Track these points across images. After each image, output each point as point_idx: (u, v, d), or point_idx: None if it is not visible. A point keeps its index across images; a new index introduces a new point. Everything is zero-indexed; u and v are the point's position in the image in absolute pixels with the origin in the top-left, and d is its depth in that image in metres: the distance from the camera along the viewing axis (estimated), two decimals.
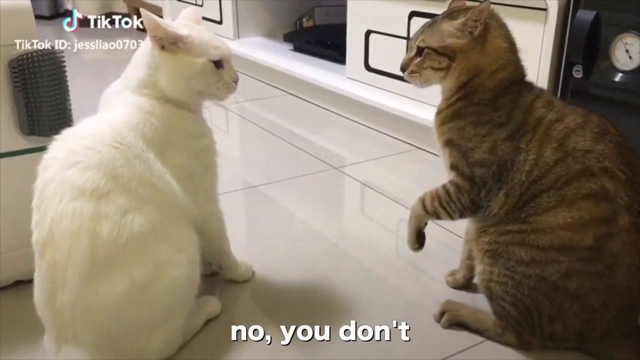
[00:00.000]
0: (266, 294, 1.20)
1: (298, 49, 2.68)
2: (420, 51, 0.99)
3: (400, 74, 1.78)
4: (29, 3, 1.03)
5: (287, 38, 2.77)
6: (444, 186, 1.02)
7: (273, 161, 1.93)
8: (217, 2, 2.89)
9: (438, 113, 1.03)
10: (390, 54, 1.97)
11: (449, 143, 1.00)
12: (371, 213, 1.62)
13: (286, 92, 2.52)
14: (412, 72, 1.01)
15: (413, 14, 1.83)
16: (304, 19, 2.89)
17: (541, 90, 1.01)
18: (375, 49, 2.04)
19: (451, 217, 1.02)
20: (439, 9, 1.71)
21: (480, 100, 0.97)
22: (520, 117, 0.95)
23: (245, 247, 1.37)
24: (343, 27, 2.20)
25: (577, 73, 1.35)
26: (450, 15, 0.98)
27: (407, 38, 1.88)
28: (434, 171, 1.78)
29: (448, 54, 0.97)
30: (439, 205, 1.02)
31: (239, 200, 1.65)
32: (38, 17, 4.01)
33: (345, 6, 2.16)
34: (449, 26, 0.97)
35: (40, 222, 0.89)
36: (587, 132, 0.92)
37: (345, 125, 2.18)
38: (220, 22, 2.90)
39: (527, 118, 0.95)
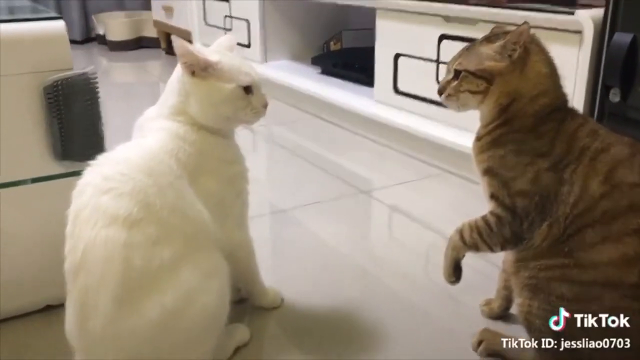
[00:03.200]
0: (295, 322, 1.17)
1: (326, 72, 2.68)
2: (457, 74, 0.97)
3: (430, 96, 1.78)
4: (64, 28, 1.05)
5: (315, 61, 2.78)
6: (483, 217, 0.98)
7: (301, 185, 1.91)
8: (246, 25, 2.91)
9: (477, 139, 1.00)
10: (419, 77, 1.96)
11: (488, 171, 0.97)
12: (400, 238, 1.59)
13: (314, 115, 2.52)
14: (449, 95, 0.99)
15: (443, 37, 1.82)
16: (332, 42, 2.90)
17: (585, 117, 0.98)
18: (404, 72, 2.03)
19: (491, 250, 0.98)
20: (469, 32, 1.71)
21: (521, 127, 0.94)
22: (563, 146, 0.92)
23: (274, 273, 1.35)
24: (371, 50, 2.20)
25: (615, 96, 1.32)
26: (488, 38, 0.97)
27: (437, 61, 1.86)
28: (464, 195, 1.76)
29: (486, 77, 0.94)
30: (479, 238, 0.98)
31: (267, 224, 1.63)
32: (71, 41, 4.15)
33: (372, 29, 2.16)
34: (487, 49, 0.95)
35: (73, 249, 0.88)
36: (635, 164, 0.88)
37: (373, 148, 2.16)
38: (248, 46, 2.93)
39: (571, 147, 0.91)
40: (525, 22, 0.91)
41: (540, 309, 0.92)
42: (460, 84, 0.97)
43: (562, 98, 0.97)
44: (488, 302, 1.16)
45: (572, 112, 0.97)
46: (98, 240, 0.86)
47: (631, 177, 0.88)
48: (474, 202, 1.69)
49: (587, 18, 1.38)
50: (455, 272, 1.04)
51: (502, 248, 0.98)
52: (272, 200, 1.79)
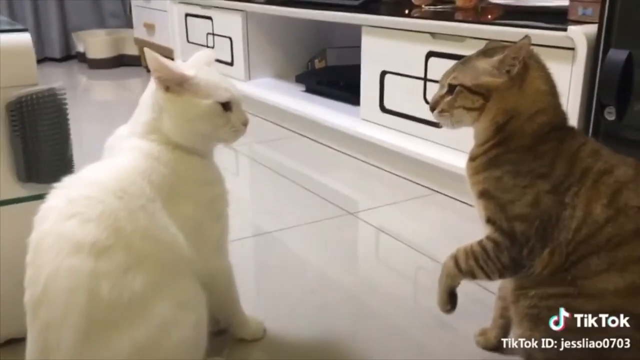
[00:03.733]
0: (279, 354, 1.11)
1: (310, 90, 2.63)
2: (451, 89, 0.92)
3: (418, 115, 1.73)
4: (29, 41, 0.98)
5: (299, 79, 2.73)
6: (480, 242, 0.92)
7: (284, 206, 1.85)
8: (229, 43, 2.87)
9: (471, 159, 0.95)
10: (407, 95, 1.91)
11: (484, 194, 0.91)
12: (388, 261, 1.53)
13: (298, 133, 2.47)
14: (442, 110, 0.93)
15: (431, 54, 1.78)
16: (316, 60, 2.86)
17: (585, 137, 0.93)
18: (391, 89, 1.99)
19: (489, 277, 0.92)
20: (457, 49, 1.67)
21: (518, 147, 0.89)
22: (564, 167, 0.86)
23: (256, 300, 1.28)
24: (356, 68, 2.16)
25: (610, 115, 1.28)
26: (485, 52, 0.91)
27: (425, 79, 1.82)
28: (454, 217, 1.71)
29: (482, 92, 0.89)
30: (475, 264, 0.92)
31: (249, 247, 1.56)
32: (49, 59, 4.07)
33: (357, 47, 2.12)
34: (484, 64, 0.90)
35: (34, 280, 0.81)
36: None
37: (359, 167, 2.11)
38: (231, 64, 2.88)
39: (572, 169, 0.86)
40: (526, 37, 0.86)
41: (541, 341, 0.86)
42: (454, 100, 0.91)
43: (561, 116, 0.92)
44: (483, 332, 1.10)
45: (572, 131, 0.92)
46: (61, 270, 0.79)
47: (637, 200, 0.83)
48: (464, 223, 1.66)
49: (580, 34, 1.34)
50: (450, 301, 0.99)
51: (501, 276, 0.92)
52: (254, 222, 1.73)
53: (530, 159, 0.88)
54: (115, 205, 0.84)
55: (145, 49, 0.90)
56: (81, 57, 4.06)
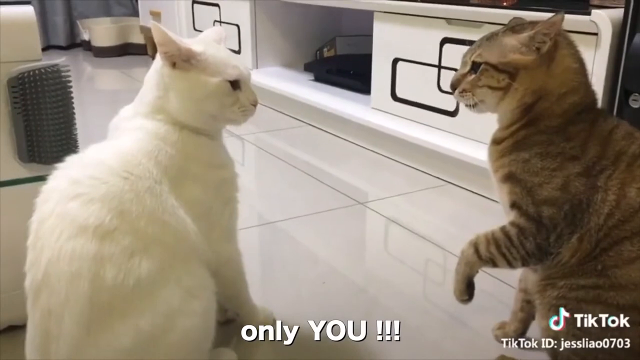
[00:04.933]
0: (288, 345, 1.06)
1: (319, 78, 2.59)
2: (475, 67, 0.87)
3: (431, 104, 1.68)
4: (33, 14, 0.93)
5: (308, 68, 2.69)
6: (502, 228, 0.87)
7: (293, 195, 1.81)
8: (236, 31, 2.82)
9: (496, 142, 0.90)
10: (420, 83, 1.86)
11: (509, 177, 0.86)
12: (399, 253, 1.48)
13: (306, 123, 2.42)
14: (464, 90, 0.88)
15: (445, 41, 1.73)
16: (325, 49, 2.81)
17: (618, 119, 0.88)
18: (403, 77, 1.94)
19: (511, 265, 0.88)
20: (474, 35, 1.60)
21: (547, 128, 0.84)
22: (597, 149, 0.82)
23: (264, 291, 1.24)
24: (366, 57, 2.11)
25: (635, 102, 1.23)
26: (513, 28, 0.86)
27: (439, 66, 1.77)
28: (467, 208, 1.66)
29: (509, 71, 0.84)
30: (497, 252, 0.87)
31: (256, 238, 1.52)
32: (55, 47, 4.03)
33: (367, 36, 2.08)
34: (512, 40, 0.85)
35: (35, 263, 0.78)
36: None
37: (369, 157, 2.06)
38: (238, 52, 2.83)
39: (606, 151, 0.82)
40: (559, 12, 0.81)
41: (569, 334, 0.81)
42: (478, 78, 0.86)
43: (592, 97, 0.87)
44: (502, 326, 1.06)
45: (604, 112, 0.88)
46: (63, 253, 0.76)
47: None
48: (477, 215, 1.62)
49: (604, 18, 1.29)
50: (467, 290, 0.94)
51: (524, 263, 0.88)
52: (261, 212, 1.69)
53: (561, 140, 0.83)
54: (120, 187, 0.80)
55: (152, 22, 0.86)
56: (86, 45, 4.02)
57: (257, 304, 1.08)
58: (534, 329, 1.01)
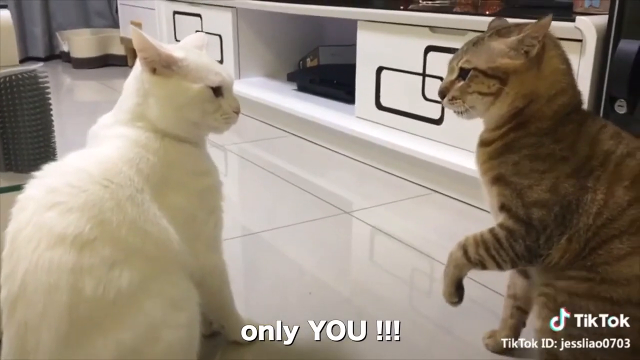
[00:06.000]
0: (274, 358, 1.04)
1: (302, 88, 2.57)
2: (463, 74, 0.86)
3: (416, 112, 1.67)
4: (9, 18, 0.90)
5: (291, 77, 2.68)
6: (491, 230, 0.87)
7: (276, 206, 1.79)
8: (218, 41, 2.80)
9: (484, 144, 0.89)
10: (404, 91, 1.86)
11: (499, 179, 0.85)
12: (384, 263, 1.46)
13: (290, 133, 2.40)
14: (454, 97, 0.87)
15: (430, 49, 1.73)
16: (308, 59, 2.80)
17: (605, 120, 0.88)
18: (388, 86, 1.93)
19: (500, 268, 0.87)
20: (457, 43, 1.60)
21: (538, 130, 0.83)
22: (585, 150, 0.82)
23: (249, 303, 1.21)
24: (349, 66, 2.10)
25: (621, 109, 1.23)
26: (499, 32, 0.86)
27: (423, 74, 1.76)
28: (452, 217, 1.65)
29: (499, 76, 0.83)
30: (486, 254, 0.86)
31: (240, 248, 1.50)
32: (33, 58, 3.96)
33: (350, 46, 2.07)
34: (500, 44, 0.84)
35: (11, 275, 0.75)
36: None
37: (353, 167, 2.05)
38: (221, 62, 2.81)
39: (594, 151, 0.82)
40: (548, 15, 0.81)
41: (564, 335, 0.80)
42: (468, 85, 0.85)
43: (579, 97, 0.87)
44: (492, 334, 1.04)
45: (591, 113, 0.88)
46: (41, 264, 0.73)
47: None
48: (463, 223, 1.61)
49: (589, 25, 1.29)
50: (457, 292, 0.93)
51: (513, 265, 0.88)
52: (245, 222, 1.66)
53: (551, 142, 0.83)
54: (100, 195, 0.77)
55: (132, 27, 0.83)
56: (66, 57, 3.97)
57: (243, 317, 1.06)
58: (523, 333, 1.01)
